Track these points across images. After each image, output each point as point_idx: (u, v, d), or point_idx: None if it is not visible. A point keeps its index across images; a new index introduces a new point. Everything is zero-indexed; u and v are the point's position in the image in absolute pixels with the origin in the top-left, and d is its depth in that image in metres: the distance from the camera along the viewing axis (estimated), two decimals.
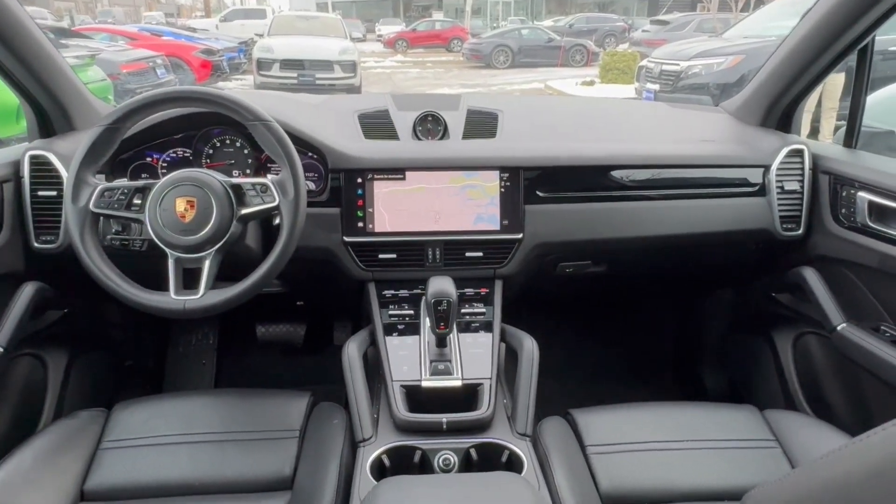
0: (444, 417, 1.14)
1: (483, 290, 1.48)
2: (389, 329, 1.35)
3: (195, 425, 1.27)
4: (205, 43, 12.09)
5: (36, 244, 1.43)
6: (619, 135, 1.64)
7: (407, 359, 1.28)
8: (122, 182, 1.25)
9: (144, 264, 1.44)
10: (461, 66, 17.84)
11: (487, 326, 1.37)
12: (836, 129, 6.87)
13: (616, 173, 1.53)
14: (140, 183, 1.26)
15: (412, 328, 1.37)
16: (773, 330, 1.70)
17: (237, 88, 12.24)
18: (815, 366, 1.61)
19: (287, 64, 10.50)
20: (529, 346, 1.24)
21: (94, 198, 1.22)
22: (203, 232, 1.22)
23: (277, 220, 1.42)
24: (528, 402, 1.17)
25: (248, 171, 1.52)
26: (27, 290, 1.37)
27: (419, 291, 1.47)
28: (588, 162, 1.50)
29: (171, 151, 1.51)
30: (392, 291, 1.47)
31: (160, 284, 1.30)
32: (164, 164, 1.52)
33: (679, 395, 2.03)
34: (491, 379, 1.22)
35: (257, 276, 1.24)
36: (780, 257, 1.65)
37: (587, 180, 1.51)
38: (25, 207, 1.42)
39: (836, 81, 6.55)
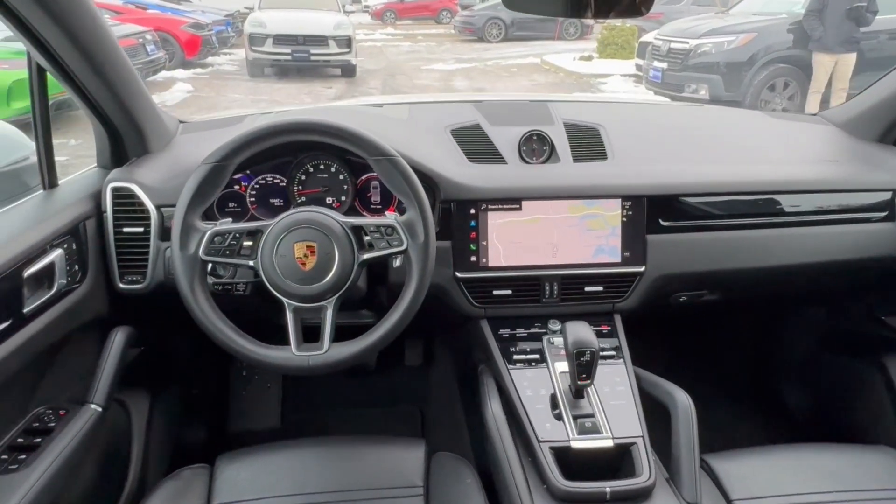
0: (608, 486, 1.05)
1: (604, 327, 1.39)
2: (519, 380, 1.25)
3: (307, 481, 1.17)
4: (192, 16, 11.60)
5: (121, 285, 1.31)
6: (735, 154, 1.54)
7: (544, 414, 1.19)
8: (233, 225, 1.13)
9: (245, 306, 1.32)
10: (453, 39, 17.44)
11: (620, 371, 1.28)
12: None
13: (739, 199, 1.43)
14: (252, 226, 1.13)
15: (541, 376, 1.27)
16: (886, 356, 1.63)
17: (227, 64, 11.88)
18: None
19: (280, 39, 10.13)
20: (685, 402, 1.16)
21: (203, 244, 1.10)
22: (325, 280, 1.11)
23: (397, 262, 1.31)
24: (693, 467, 1.09)
25: (343, 199, 1.40)
26: (118, 339, 1.25)
27: (537, 330, 1.38)
28: (717, 189, 1.40)
29: (260, 178, 1.39)
30: (509, 331, 1.37)
31: (265, 328, 1.20)
32: (254, 192, 1.39)
33: (759, 415, 1.97)
34: (643, 437, 1.14)
35: (385, 329, 1.13)
36: None
37: (711, 208, 1.42)
38: (109, 246, 1.29)
39: (847, 62, 6.48)
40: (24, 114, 5.03)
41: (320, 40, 10.29)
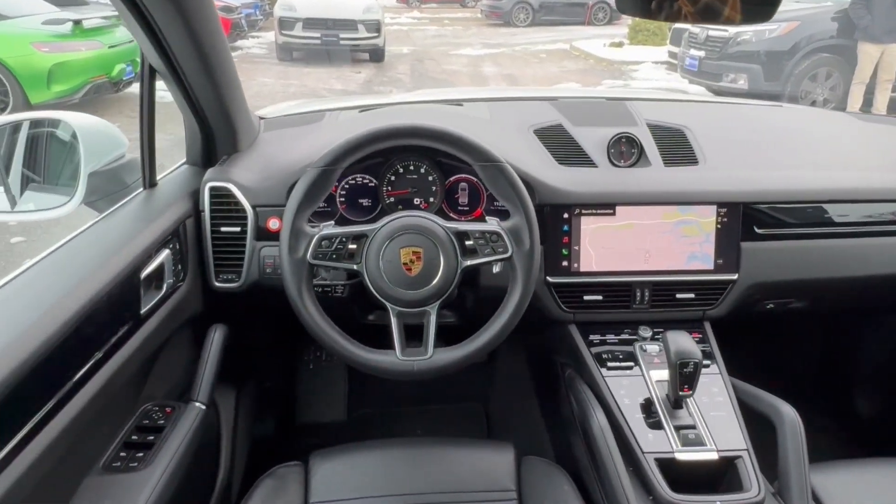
0: (718, 500, 1.05)
1: (695, 335, 1.37)
2: (616, 387, 1.25)
3: (401, 482, 1.18)
4: (221, 0, 11.62)
5: (216, 283, 1.32)
6: (828, 159, 1.50)
7: (644, 423, 1.19)
8: (340, 230, 1.13)
9: (342, 308, 1.33)
10: (479, 23, 17.26)
11: (716, 381, 1.27)
12: (892, 101, 6.67)
13: (839, 208, 1.40)
14: (358, 230, 1.14)
15: (636, 384, 1.26)
16: None
17: (255, 47, 11.88)
18: None
19: (310, 23, 10.10)
20: (791, 416, 1.14)
21: (311, 248, 1.11)
22: (430, 285, 1.11)
23: (496, 268, 1.31)
24: (804, 483, 1.08)
25: (431, 200, 1.39)
26: (217, 337, 1.26)
27: (627, 336, 1.37)
28: (814, 197, 1.38)
29: (350, 178, 1.38)
30: (598, 336, 1.37)
31: (360, 330, 1.21)
32: (343, 192, 1.39)
33: (837, 425, 1.93)
34: (748, 450, 1.13)
35: (488, 336, 1.13)
36: None
37: (808, 215, 1.39)
38: (206, 245, 1.31)
39: (894, 52, 6.30)
40: (63, 97, 5.09)
41: (350, 24, 10.25)
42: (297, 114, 1.70)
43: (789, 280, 1.40)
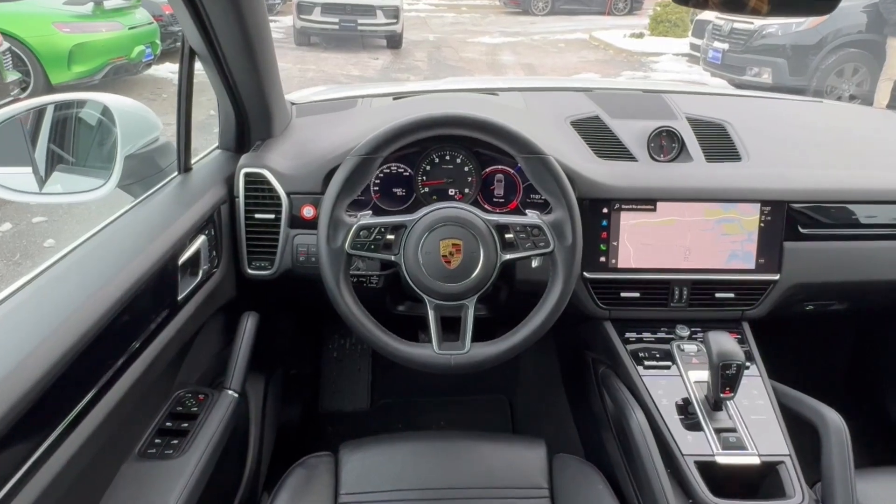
0: None
1: (734, 335, 1.34)
2: (653, 387, 1.22)
3: (432, 475, 1.17)
4: None
5: (249, 270, 1.31)
6: (878, 158, 1.46)
7: (683, 424, 1.16)
8: (378, 220, 1.11)
9: (377, 299, 1.32)
10: (497, 11, 17.10)
11: (756, 384, 1.24)
12: None
13: (883, 208, 1.36)
14: (397, 220, 1.12)
15: (675, 384, 1.24)
16: None
17: (274, 32, 11.82)
18: None
19: (328, 8, 10.05)
20: (837, 423, 1.12)
21: (349, 238, 1.09)
22: (469, 279, 1.09)
23: (535, 262, 1.29)
24: (851, 492, 1.05)
25: (466, 191, 1.37)
26: (250, 325, 1.25)
27: (664, 335, 1.34)
28: (863, 197, 1.34)
29: (385, 167, 1.36)
30: (634, 334, 1.34)
31: (394, 321, 1.19)
32: (377, 181, 1.37)
33: (872, 423, 1.89)
34: (790, 456, 1.10)
35: (529, 331, 1.11)
36: None
37: (854, 216, 1.35)
38: (240, 231, 1.29)
39: None
40: (83, 78, 5.08)
41: (368, 10, 10.19)
42: (329, 100, 1.67)
43: (832, 282, 1.37)
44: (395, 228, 1.11)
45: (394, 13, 10.38)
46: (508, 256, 1.12)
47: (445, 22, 14.84)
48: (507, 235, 1.12)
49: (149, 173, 1.28)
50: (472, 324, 1.11)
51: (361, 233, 1.09)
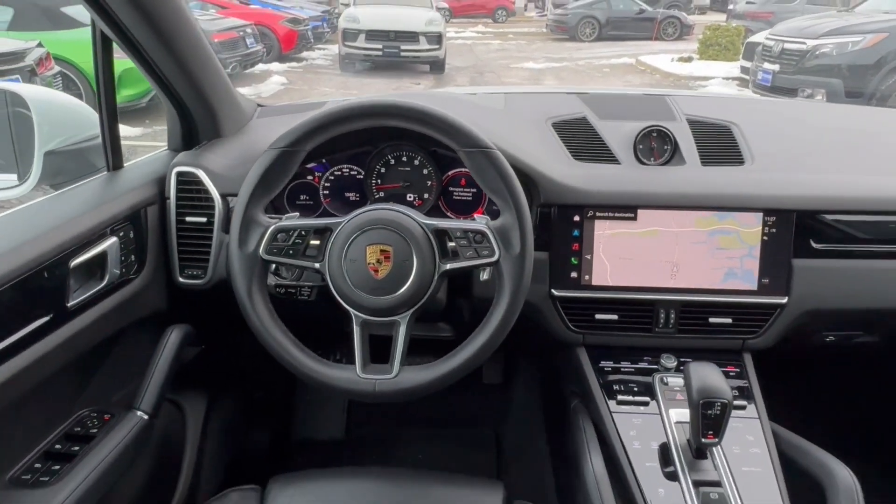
0: None
1: (731, 369, 1.14)
2: (625, 427, 1.03)
3: None
4: (290, 12, 11.93)
5: (180, 279, 1.19)
6: None
7: (657, 475, 0.96)
8: (299, 222, 0.97)
9: (310, 314, 1.18)
10: (544, 37, 17.07)
11: (753, 427, 1.03)
12: None
13: None
14: (320, 222, 0.98)
15: (652, 425, 1.04)
16: None
17: (320, 59, 12.13)
18: None
19: (373, 35, 10.22)
20: (847, 480, 0.90)
21: (265, 241, 0.95)
22: (400, 291, 0.94)
23: (485, 275, 1.13)
24: None
25: (426, 196, 1.22)
26: (172, 338, 1.13)
27: (646, 366, 1.15)
28: (891, 207, 1.12)
29: (335, 169, 1.23)
30: (611, 363, 1.15)
31: (330, 340, 1.04)
32: (328, 185, 1.24)
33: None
34: None
35: (467, 356, 0.95)
36: None
37: (880, 229, 1.13)
38: (171, 236, 1.18)
39: None
40: (131, 101, 5.24)
41: (411, 36, 10.30)
42: (299, 103, 1.57)
43: (854, 309, 1.15)
44: (320, 232, 0.98)
45: (437, 39, 10.45)
46: (449, 266, 0.96)
47: (491, 48, 14.87)
48: (449, 243, 0.97)
49: (84, 172, 1.20)
50: (406, 345, 0.96)
51: (279, 236, 0.96)
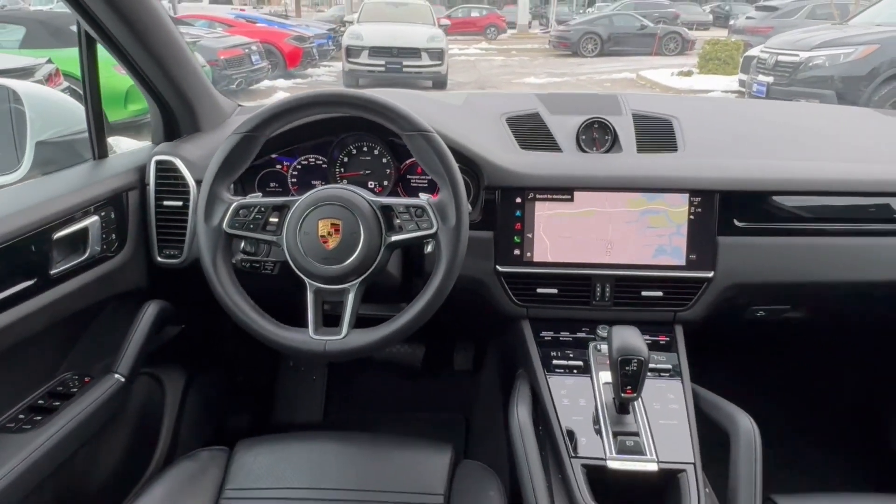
0: None
1: (662, 338, 1.23)
2: (557, 387, 1.12)
3: (325, 475, 1.10)
4: (296, 30, 12.22)
5: (159, 258, 1.31)
6: (838, 151, 1.34)
7: (581, 427, 1.06)
8: (259, 199, 1.08)
9: (274, 287, 1.28)
10: (547, 54, 17.29)
11: (675, 388, 1.12)
12: None
13: (836, 201, 1.23)
14: (279, 200, 1.09)
15: (582, 386, 1.13)
16: None
17: (325, 75, 12.37)
18: None
19: (376, 51, 10.42)
20: (748, 426, 0.99)
21: (227, 216, 1.06)
22: (348, 261, 1.04)
23: (429, 248, 1.23)
24: (754, 499, 0.92)
25: (385, 183, 1.33)
26: (149, 312, 1.24)
27: (583, 335, 1.24)
28: (811, 187, 1.22)
29: (302, 158, 1.35)
30: (551, 333, 1.25)
31: (292, 311, 1.14)
32: (295, 173, 1.35)
33: (853, 458, 1.70)
34: (694, 464, 0.98)
35: (407, 319, 1.04)
36: None
37: (799, 208, 1.23)
38: (150, 218, 1.29)
39: None
40: (137, 116, 5.42)
41: (413, 52, 10.49)
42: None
43: (780, 282, 1.24)
44: (278, 209, 1.08)
45: (438, 55, 10.64)
46: (393, 238, 1.06)
47: (494, 65, 15.09)
48: (395, 220, 1.07)
49: (72, 162, 1.31)
50: (355, 311, 1.06)
51: (241, 211, 1.07)
